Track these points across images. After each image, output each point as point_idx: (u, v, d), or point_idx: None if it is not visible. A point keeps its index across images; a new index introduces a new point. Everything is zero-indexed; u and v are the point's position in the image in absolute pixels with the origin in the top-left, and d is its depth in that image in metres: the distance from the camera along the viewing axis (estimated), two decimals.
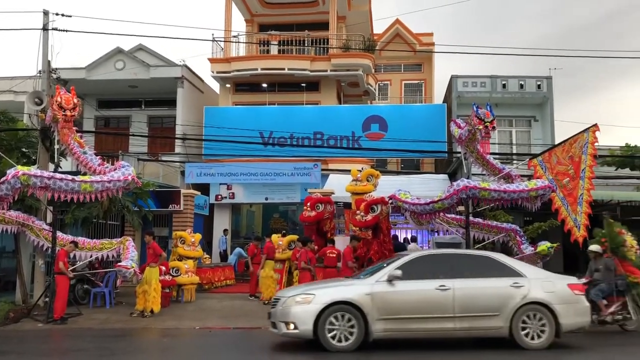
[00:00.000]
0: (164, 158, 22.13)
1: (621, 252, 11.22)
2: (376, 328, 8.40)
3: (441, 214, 13.17)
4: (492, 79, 21.47)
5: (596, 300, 10.76)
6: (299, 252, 13.81)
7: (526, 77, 21.55)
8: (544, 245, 12.92)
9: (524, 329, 8.63)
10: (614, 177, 17.14)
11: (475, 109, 12.29)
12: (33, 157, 14.51)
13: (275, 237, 15.88)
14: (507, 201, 12.03)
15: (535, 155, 14.12)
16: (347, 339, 8.33)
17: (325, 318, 8.30)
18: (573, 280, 9.36)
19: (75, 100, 11.93)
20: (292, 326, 8.39)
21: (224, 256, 20.88)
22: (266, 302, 13.72)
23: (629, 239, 11.31)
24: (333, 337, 8.31)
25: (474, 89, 21.43)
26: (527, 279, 8.88)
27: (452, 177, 20.15)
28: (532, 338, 8.61)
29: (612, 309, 10.78)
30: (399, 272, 8.67)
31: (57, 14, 14.32)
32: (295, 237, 15.31)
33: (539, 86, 21.31)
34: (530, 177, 13.31)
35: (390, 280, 8.64)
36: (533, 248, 13.19)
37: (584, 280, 11.12)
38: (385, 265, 9.29)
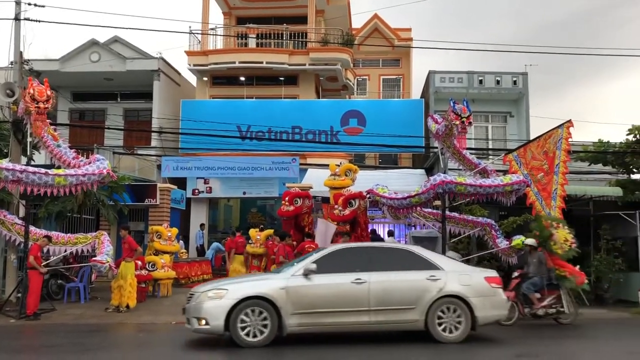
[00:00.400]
0: (140, 151, 21.88)
1: (548, 246, 11.46)
2: (290, 323, 8.30)
3: (418, 208, 13.26)
4: (469, 74, 21.65)
5: (528, 293, 10.97)
6: (276, 246, 13.80)
7: (502, 73, 21.78)
8: (518, 240, 13.08)
9: (440, 322, 8.62)
10: (587, 173, 17.44)
11: (452, 104, 12.38)
12: (5, 150, 14.23)
13: (253, 232, 15.85)
14: (482, 196, 12.16)
15: (510, 151, 14.28)
16: (260, 334, 8.21)
17: (237, 313, 8.17)
18: (490, 273, 9.37)
19: (49, 93, 11.73)
20: (203, 322, 8.27)
21: (200, 251, 20.77)
22: None
23: (562, 232, 11.46)
24: (247, 333, 8.17)
25: (451, 84, 21.60)
26: (444, 272, 8.85)
27: (429, 172, 20.30)
28: (449, 331, 8.61)
29: (545, 303, 10.96)
30: (314, 266, 8.55)
31: (29, 4, 14.06)
32: (272, 231, 15.29)
33: (514, 82, 21.56)
34: (505, 172, 13.46)
35: (306, 274, 8.52)
36: (508, 242, 13.36)
37: (516, 273, 11.43)
38: (305, 259, 9.23)
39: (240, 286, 8.64)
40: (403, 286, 8.68)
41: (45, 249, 12.56)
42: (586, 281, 11.49)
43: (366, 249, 9.54)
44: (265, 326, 8.25)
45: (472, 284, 8.83)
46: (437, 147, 14.56)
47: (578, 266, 11.65)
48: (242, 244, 14.79)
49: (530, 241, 11.64)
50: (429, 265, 8.93)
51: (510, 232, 14.25)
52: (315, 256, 9.01)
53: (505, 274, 11.90)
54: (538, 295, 11.01)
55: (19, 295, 12.10)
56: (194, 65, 23.26)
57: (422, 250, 9.49)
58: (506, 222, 14.70)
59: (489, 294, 8.90)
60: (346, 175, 15.08)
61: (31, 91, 11.50)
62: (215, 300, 8.30)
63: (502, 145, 21.04)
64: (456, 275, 8.88)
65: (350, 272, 8.69)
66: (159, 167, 21.89)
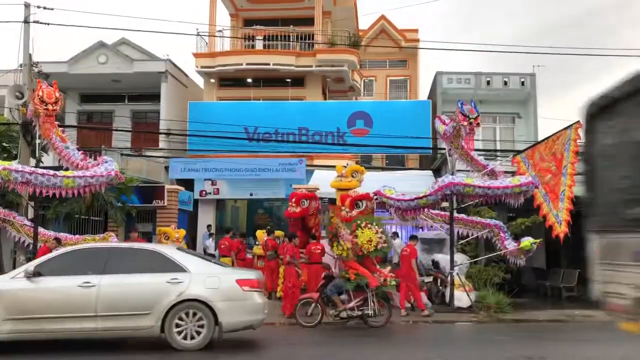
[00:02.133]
0: (147, 153, 21.94)
1: (334, 247, 11.09)
2: (2, 329, 7.82)
3: (426, 210, 13.25)
4: (477, 75, 21.59)
5: (331, 295, 10.80)
6: (285, 247, 13.79)
7: (510, 74, 21.71)
8: (527, 241, 13.05)
9: (180, 329, 8.08)
10: None
11: (459, 105, 12.36)
12: (14, 152, 14.33)
13: (259, 233, 15.87)
14: (491, 197, 12.13)
15: (518, 152, 14.25)
16: None
17: None
18: (246, 275, 8.80)
19: (57, 94, 11.79)
20: None
21: (207, 252, 20.78)
22: None
23: (368, 233, 10.97)
24: None
25: (458, 85, 21.55)
26: (189, 274, 8.28)
27: (437, 173, 20.25)
28: (190, 338, 8.10)
29: (351, 305, 10.68)
30: (32, 269, 8.12)
31: (38, 7, 14.16)
32: (281, 232, 15.32)
33: (522, 83, 21.49)
34: (513, 174, 13.44)
35: (28, 276, 8.03)
36: (516, 244, 13.31)
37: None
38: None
39: None
40: (138, 290, 8.12)
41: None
42: (393, 283, 10.96)
43: (105, 250, 8.91)
44: None
45: (220, 287, 8.24)
46: (444, 149, 14.53)
47: (388, 268, 11.26)
48: (235, 246, 15.08)
49: None
50: (174, 267, 8.36)
51: (519, 233, 14.20)
52: (43, 258, 8.62)
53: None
54: (345, 296, 10.76)
55: None
56: (201, 67, 23.31)
57: (172, 250, 8.93)
58: (514, 224, 14.65)
59: (239, 298, 8.30)
60: (353, 177, 15.07)
61: (40, 93, 11.56)
62: None
63: (510, 146, 20.95)
64: (202, 278, 8.28)
65: (82, 274, 8.14)
66: (166, 168, 21.93)
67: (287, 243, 13.97)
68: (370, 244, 10.93)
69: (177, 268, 8.36)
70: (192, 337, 8.11)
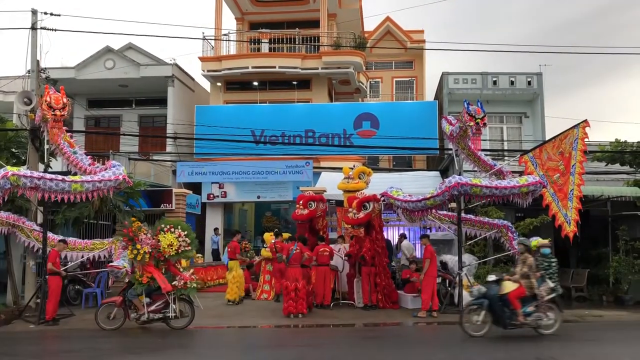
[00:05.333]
0: (155, 157, 22.04)
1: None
2: None
3: (433, 210, 13.20)
4: (483, 75, 21.55)
5: (132, 299, 10.83)
6: (289, 246, 13.78)
7: (516, 73, 21.65)
8: (535, 241, 12.95)
9: None
10: (604, 173, 17.24)
11: (466, 105, 12.33)
12: (23, 158, 14.41)
13: (267, 236, 15.89)
14: (498, 197, 12.07)
15: (526, 152, 14.18)
16: None
17: None
18: None
19: (65, 100, 11.85)
20: None
21: (215, 255, 20.85)
22: (235, 302, 14.17)
23: (169, 236, 10.93)
24: None
25: (464, 85, 21.51)
26: None
27: (444, 174, 20.20)
28: None
29: (152, 308, 10.78)
30: None
31: (45, 13, 14.22)
32: (288, 235, 15.31)
33: (529, 83, 21.41)
34: (521, 174, 13.37)
35: None
36: None
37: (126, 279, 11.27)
38: None
39: None
40: None
41: (63, 255, 12.68)
42: (194, 286, 10.96)
43: None
44: None
45: None
46: (451, 149, 14.49)
47: (190, 272, 11.23)
48: (236, 249, 15.17)
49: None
50: None
51: (527, 233, 14.12)
52: None
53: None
54: (148, 300, 10.84)
55: (38, 300, 12.23)
56: (208, 71, 23.40)
57: None
58: (522, 224, 14.58)
59: None
60: (360, 178, 15.08)
61: (48, 99, 11.62)
62: None
63: (517, 146, 20.90)
64: None
65: None
66: (174, 172, 22.03)
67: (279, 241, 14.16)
68: (172, 248, 10.95)
69: None
70: None
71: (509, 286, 9.98)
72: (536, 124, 21.52)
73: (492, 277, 10.31)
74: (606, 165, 16.75)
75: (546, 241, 12.33)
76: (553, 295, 10.29)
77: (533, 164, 13.42)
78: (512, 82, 21.43)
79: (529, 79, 21.44)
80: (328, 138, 22.01)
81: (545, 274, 10.91)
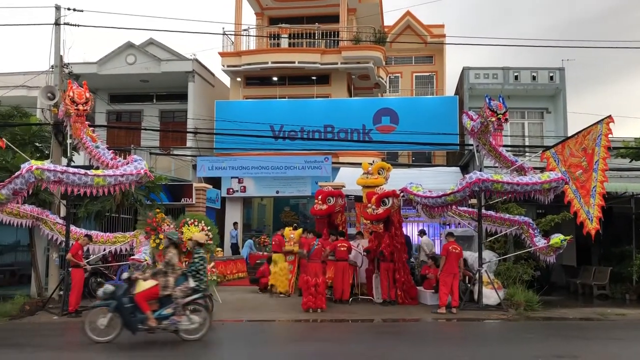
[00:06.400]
0: (175, 152, 22.23)
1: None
2: None
3: (453, 206, 13.12)
4: (504, 70, 21.31)
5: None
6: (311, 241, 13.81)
7: (538, 68, 21.36)
8: (557, 238, 12.81)
9: None
10: (627, 169, 16.95)
11: (487, 100, 12.21)
12: (46, 152, 14.64)
13: (287, 231, 15.92)
14: (520, 194, 11.95)
15: (548, 148, 14.01)
16: None
17: None
18: None
19: (88, 95, 12.00)
20: None
21: (234, 249, 20.98)
22: (287, 294, 14.48)
23: (191, 229, 11.21)
24: None
25: (485, 80, 21.29)
26: None
27: (464, 169, 20.06)
28: None
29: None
30: None
31: (68, 9, 14.40)
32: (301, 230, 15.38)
33: (551, 78, 21.13)
34: (543, 170, 13.22)
35: None
36: (546, 241, 13.09)
37: None
38: None
39: None
40: None
41: (85, 248, 12.86)
42: (213, 278, 11.37)
43: None
44: None
45: None
46: (472, 145, 14.38)
47: (210, 265, 11.51)
48: (281, 243, 15.19)
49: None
50: None
51: (548, 230, 13.98)
52: None
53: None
54: None
55: (61, 292, 12.43)
56: (228, 66, 23.50)
57: None
58: (544, 221, 14.42)
59: None
60: (379, 174, 15.02)
61: (71, 94, 11.78)
62: None
63: (539, 142, 20.64)
64: None
65: None
66: (194, 167, 22.20)
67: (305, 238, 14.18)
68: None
69: None
70: None
71: (141, 285, 9.00)
72: (558, 119, 21.23)
73: (125, 275, 9.37)
74: (630, 161, 16.46)
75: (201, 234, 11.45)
76: (196, 296, 9.28)
77: (555, 160, 13.26)
78: (533, 77, 21.16)
79: (551, 74, 21.15)
80: (347, 133, 21.97)
81: (190, 271, 10.05)
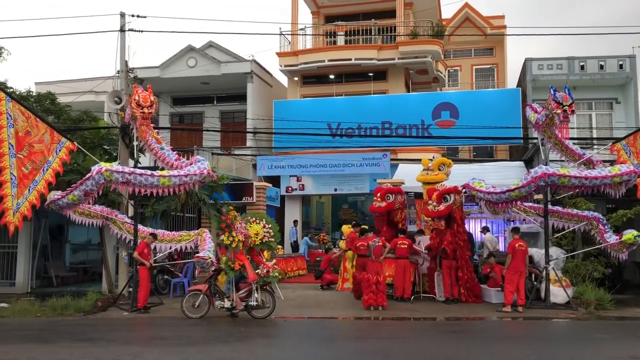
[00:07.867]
0: (236, 152, 22.67)
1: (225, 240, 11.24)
2: None
3: (518, 202, 12.76)
4: (569, 60, 20.52)
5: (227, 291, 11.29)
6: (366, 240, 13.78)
7: (606, 57, 20.42)
8: (629, 234, 12.23)
9: None
10: None
11: (552, 92, 11.79)
12: (114, 154, 15.24)
13: (345, 228, 15.93)
14: (588, 188, 11.48)
15: (618, 139, 13.40)
16: None
17: None
18: None
19: (152, 98, 12.36)
20: None
21: (294, 247, 21.18)
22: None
23: (255, 227, 11.30)
24: None
25: (549, 71, 20.56)
26: None
27: (529, 164, 19.45)
28: None
29: (239, 294, 11.21)
30: None
31: (132, 16, 14.91)
32: (366, 227, 15.31)
33: (620, 66, 20.16)
34: (612, 163, 12.66)
35: None
36: (618, 237, 12.51)
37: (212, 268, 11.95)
38: None
39: None
40: None
41: (152, 246, 13.29)
42: (275, 274, 11.17)
43: None
44: None
45: None
46: (536, 138, 13.91)
47: (272, 262, 11.59)
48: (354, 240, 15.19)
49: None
50: None
51: (620, 226, 13.36)
52: None
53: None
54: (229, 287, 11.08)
55: (130, 289, 12.90)
56: (285, 66, 23.73)
57: None
58: (615, 216, 13.79)
59: None
60: (440, 170, 14.79)
61: (136, 98, 12.17)
62: None
63: (608, 134, 19.75)
64: None
65: None
66: (254, 166, 22.57)
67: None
68: (257, 237, 11.30)
69: None
70: None
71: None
72: (629, 110, 20.25)
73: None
74: None
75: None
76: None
77: (627, 152, 12.67)
78: (601, 67, 20.26)
79: (620, 62, 20.18)
80: (405, 129, 21.75)
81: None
